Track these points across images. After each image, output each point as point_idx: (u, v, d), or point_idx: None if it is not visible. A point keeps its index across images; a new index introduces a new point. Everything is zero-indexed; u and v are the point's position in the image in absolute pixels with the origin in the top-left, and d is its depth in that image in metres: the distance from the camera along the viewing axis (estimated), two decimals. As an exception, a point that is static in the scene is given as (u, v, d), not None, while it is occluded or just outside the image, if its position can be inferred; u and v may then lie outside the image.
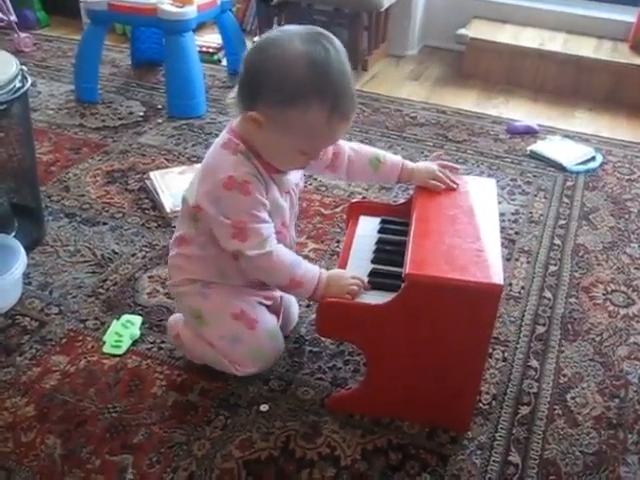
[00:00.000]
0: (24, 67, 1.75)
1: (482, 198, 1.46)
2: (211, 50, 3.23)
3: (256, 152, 1.28)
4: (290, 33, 1.21)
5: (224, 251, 1.32)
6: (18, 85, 1.69)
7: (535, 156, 2.49)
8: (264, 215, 1.28)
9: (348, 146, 1.50)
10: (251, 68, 1.22)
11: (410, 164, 1.52)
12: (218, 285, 1.40)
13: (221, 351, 1.41)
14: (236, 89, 1.27)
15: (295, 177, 1.41)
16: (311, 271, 1.33)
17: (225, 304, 1.39)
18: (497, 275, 1.22)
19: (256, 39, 1.25)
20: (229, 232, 1.27)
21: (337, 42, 1.23)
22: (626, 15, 3.21)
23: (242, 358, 1.41)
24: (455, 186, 1.47)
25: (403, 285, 1.23)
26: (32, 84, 1.75)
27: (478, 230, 1.34)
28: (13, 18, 3.22)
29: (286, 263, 1.31)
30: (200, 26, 3.10)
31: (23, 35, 3.25)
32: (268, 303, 1.46)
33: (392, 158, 1.53)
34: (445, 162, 1.53)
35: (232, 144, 1.28)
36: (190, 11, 2.57)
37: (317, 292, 1.31)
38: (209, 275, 1.39)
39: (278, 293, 1.49)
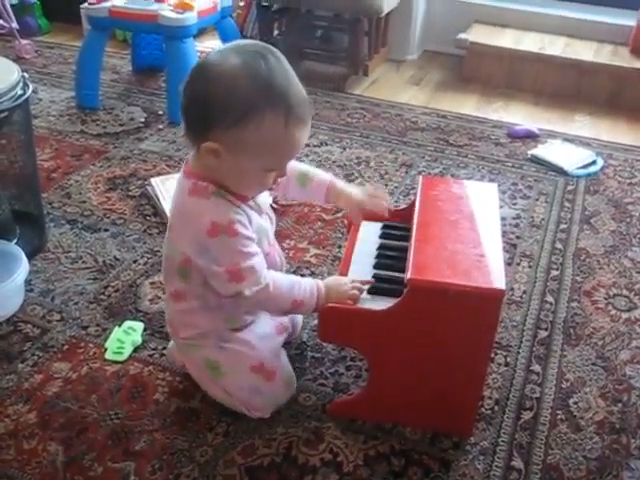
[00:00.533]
0: (26, 74, 1.75)
1: (483, 203, 1.46)
2: (212, 56, 3.23)
3: (225, 186, 1.23)
4: (224, 52, 1.17)
5: (224, 297, 1.30)
6: (20, 92, 1.69)
7: (536, 160, 2.49)
8: (254, 249, 1.24)
9: None
10: (194, 98, 1.16)
11: (340, 185, 1.47)
12: (234, 337, 1.38)
13: (238, 400, 1.38)
14: (183, 125, 1.22)
15: (266, 197, 1.38)
16: (309, 287, 1.31)
17: (244, 357, 1.37)
18: (499, 280, 1.22)
19: (192, 68, 1.19)
20: (224, 278, 1.23)
21: (275, 50, 1.17)
22: (626, 19, 3.21)
23: (260, 406, 1.39)
24: (385, 215, 1.48)
25: (405, 290, 1.23)
26: (33, 91, 1.75)
27: (480, 235, 1.34)
28: (14, 25, 3.23)
29: (284, 289, 1.29)
30: (201, 32, 3.11)
31: (24, 42, 3.26)
32: (284, 336, 1.47)
33: (320, 176, 1.47)
34: (376, 191, 1.50)
35: (199, 188, 1.22)
36: (190, 17, 2.57)
37: (319, 304, 1.30)
38: (217, 324, 1.37)
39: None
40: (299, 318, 1.60)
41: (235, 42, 1.22)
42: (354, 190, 1.49)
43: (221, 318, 1.36)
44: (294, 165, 1.42)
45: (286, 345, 1.51)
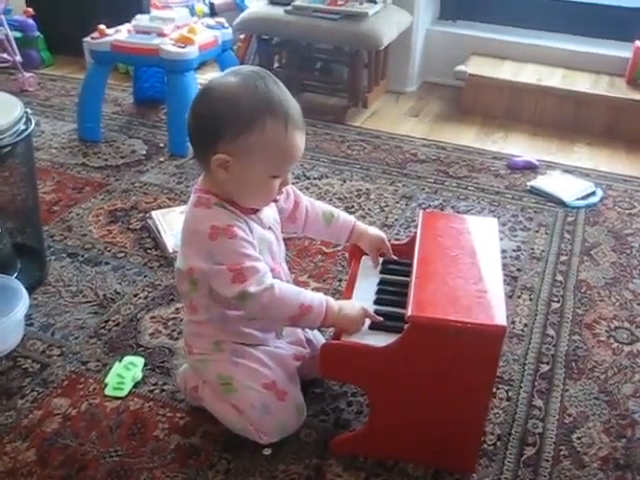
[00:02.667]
0: (28, 110, 1.76)
1: (484, 238, 1.46)
2: (213, 88, 3.25)
3: (229, 199, 1.31)
4: (224, 75, 1.29)
5: (228, 310, 1.34)
6: (22, 128, 1.70)
7: (535, 191, 2.50)
8: (255, 253, 1.30)
9: (305, 198, 1.54)
10: (201, 116, 1.27)
11: (361, 227, 1.56)
12: (248, 353, 1.39)
13: (249, 419, 1.37)
14: (190, 148, 1.33)
15: (272, 213, 1.43)
16: (317, 296, 1.33)
17: (257, 374, 1.38)
18: (500, 316, 1.22)
19: (195, 95, 1.31)
20: (227, 278, 1.26)
21: (270, 73, 1.28)
22: (622, 51, 3.25)
23: (270, 428, 1.38)
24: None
25: (406, 327, 1.23)
26: (35, 123, 1.77)
27: (481, 271, 1.35)
28: (18, 58, 3.27)
29: (290, 292, 1.31)
30: (202, 65, 3.13)
31: (27, 75, 3.29)
32: (300, 363, 1.47)
33: (345, 216, 1.57)
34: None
35: (203, 200, 1.31)
36: (192, 51, 2.60)
37: (328, 317, 1.31)
38: (229, 336, 1.39)
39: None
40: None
41: (234, 68, 1.34)
42: (375, 231, 1.58)
43: (233, 331, 1.39)
44: (321, 204, 1.57)
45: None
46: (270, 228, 1.41)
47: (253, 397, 1.36)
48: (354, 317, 1.32)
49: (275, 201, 1.39)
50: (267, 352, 1.42)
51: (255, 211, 1.35)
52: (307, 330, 1.54)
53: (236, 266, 1.26)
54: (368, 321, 1.33)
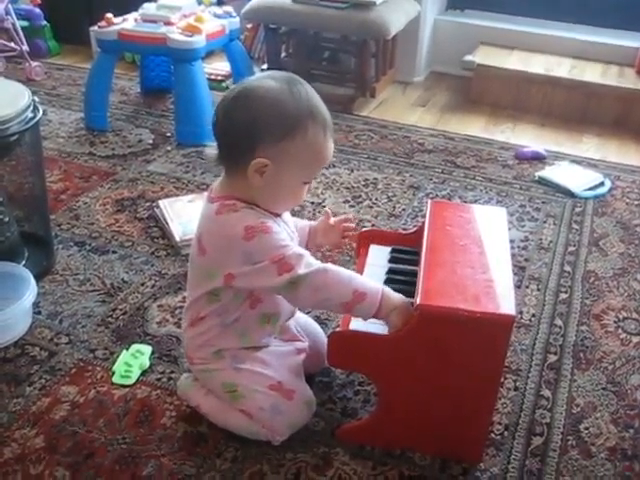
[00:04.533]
0: (36, 98, 1.76)
1: (493, 227, 1.46)
2: (220, 78, 3.25)
3: (253, 204, 1.28)
4: (260, 78, 1.27)
5: (242, 308, 1.33)
6: (30, 116, 1.70)
7: (543, 182, 2.49)
8: (293, 243, 1.28)
9: None
10: (239, 120, 1.22)
11: (314, 224, 1.54)
12: (250, 357, 1.39)
13: (261, 421, 1.36)
14: (220, 153, 1.28)
15: (290, 219, 1.42)
16: (373, 284, 1.28)
17: (261, 377, 1.37)
18: (509, 306, 1.21)
19: (224, 97, 1.26)
20: (273, 271, 1.23)
21: (303, 80, 1.28)
22: (632, 41, 3.23)
23: (282, 428, 1.37)
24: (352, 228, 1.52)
25: (414, 315, 1.22)
26: (42, 112, 1.77)
27: (489, 260, 1.34)
28: (25, 47, 3.27)
29: (343, 276, 1.26)
30: (209, 54, 3.13)
31: (34, 64, 3.29)
32: (303, 356, 1.46)
33: (302, 221, 1.55)
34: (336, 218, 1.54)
35: (228, 205, 1.27)
36: (199, 40, 2.60)
37: (382, 307, 1.25)
38: (231, 342, 1.38)
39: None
40: (323, 347, 1.49)
41: (267, 72, 1.32)
42: (322, 223, 1.54)
43: (236, 334, 1.37)
44: None
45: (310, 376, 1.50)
46: (293, 232, 1.40)
47: (261, 400, 1.36)
48: (408, 316, 1.24)
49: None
50: (269, 352, 1.41)
51: (278, 215, 1.34)
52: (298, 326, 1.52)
53: (277, 257, 1.23)
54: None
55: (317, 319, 1.67)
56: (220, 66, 3.33)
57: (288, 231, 1.35)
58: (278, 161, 1.22)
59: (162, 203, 2.17)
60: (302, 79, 1.28)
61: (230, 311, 1.34)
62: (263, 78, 1.26)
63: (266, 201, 1.29)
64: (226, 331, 1.37)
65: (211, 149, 1.30)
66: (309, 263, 1.24)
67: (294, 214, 2.15)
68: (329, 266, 1.26)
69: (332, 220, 1.52)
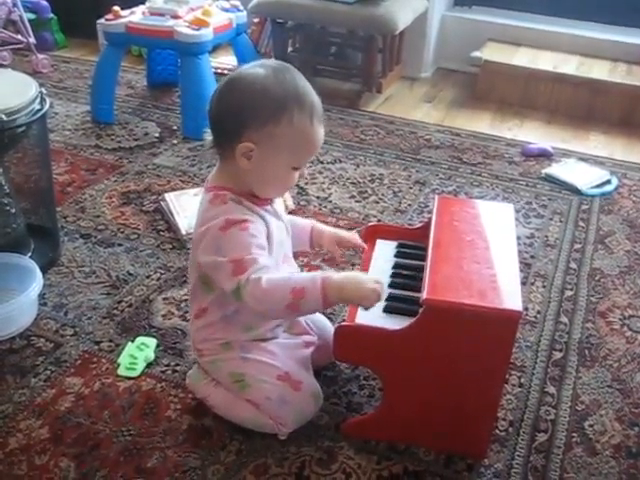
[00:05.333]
0: (43, 89, 1.76)
1: (499, 223, 1.45)
2: (226, 72, 3.24)
3: (244, 193, 1.30)
4: (250, 66, 1.29)
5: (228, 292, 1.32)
6: (37, 107, 1.70)
7: (550, 179, 2.48)
8: (262, 250, 1.27)
9: None
10: (228, 104, 1.26)
11: (320, 226, 1.55)
12: (258, 347, 1.39)
13: (268, 411, 1.36)
14: (211, 137, 1.32)
15: (281, 203, 1.44)
16: (309, 275, 1.31)
17: (269, 367, 1.37)
18: (516, 301, 1.21)
19: (218, 85, 1.30)
20: (229, 271, 1.24)
21: (294, 68, 1.30)
22: (640, 38, 3.22)
23: (288, 419, 1.37)
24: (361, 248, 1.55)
25: (421, 310, 1.22)
26: (50, 105, 1.76)
27: (496, 256, 1.34)
28: (32, 40, 3.26)
29: (279, 279, 1.24)
30: (215, 48, 3.12)
31: (41, 56, 3.29)
32: (311, 350, 1.46)
33: (303, 220, 1.58)
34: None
35: (219, 196, 1.30)
36: (206, 34, 2.59)
37: (329, 295, 1.21)
38: (236, 333, 1.38)
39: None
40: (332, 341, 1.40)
41: (260, 61, 1.33)
42: (333, 229, 1.57)
43: (240, 327, 1.38)
44: None
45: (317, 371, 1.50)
46: (283, 221, 1.41)
47: (268, 390, 1.36)
48: (364, 290, 1.21)
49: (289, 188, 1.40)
50: (277, 344, 1.42)
51: (270, 202, 1.35)
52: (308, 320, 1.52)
53: (238, 257, 1.23)
54: (382, 304, 1.32)
55: (323, 312, 1.67)
56: (227, 60, 3.33)
57: (277, 224, 1.35)
58: (264, 145, 1.24)
59: (168, 196, 2.17)
60: (294, 68, 1.29)
61: (227, 302, 1.34)
62: (253, 66, 1.29)
63: (257, 186, 1.31)
64: (230, 323, 1.37)
65: (209, 136, 1.33)
66: (255, 272, 1.22)
67: (299, 208, 2.18)
68: (266, 276, 1.22)
69: (344, 236, 1.54)
